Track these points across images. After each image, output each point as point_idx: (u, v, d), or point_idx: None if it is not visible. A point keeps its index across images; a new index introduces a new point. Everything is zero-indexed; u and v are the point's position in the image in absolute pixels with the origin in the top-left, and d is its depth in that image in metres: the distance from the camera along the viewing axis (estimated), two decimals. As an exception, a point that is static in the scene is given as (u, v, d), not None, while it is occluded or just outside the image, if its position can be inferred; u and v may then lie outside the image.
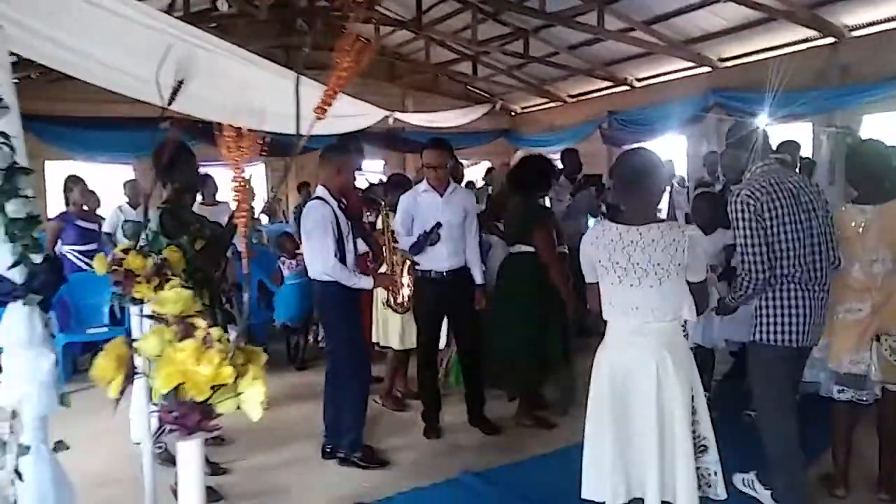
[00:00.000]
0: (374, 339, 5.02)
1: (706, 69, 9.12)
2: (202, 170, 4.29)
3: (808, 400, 3.54)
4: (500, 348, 4.40)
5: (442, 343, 4.79)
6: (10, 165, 2.22)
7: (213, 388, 1.33)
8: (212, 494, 3.47)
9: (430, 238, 4.24)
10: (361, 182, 6.70)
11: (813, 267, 2.95)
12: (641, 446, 2.48)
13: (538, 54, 10.19)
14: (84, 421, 2.96)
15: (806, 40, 7.72)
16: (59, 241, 6.10)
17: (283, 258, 6.12)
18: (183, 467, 1.38)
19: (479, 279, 4.43)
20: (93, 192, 6.69)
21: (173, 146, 3.29)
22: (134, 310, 2.74)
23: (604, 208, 6.89)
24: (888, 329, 3.13)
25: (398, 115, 10.34)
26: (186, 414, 1.31)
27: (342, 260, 3.81)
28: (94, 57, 2.93)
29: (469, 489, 3.63)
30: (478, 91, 13.11)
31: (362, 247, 4.37)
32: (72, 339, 5.62)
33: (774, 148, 4.35)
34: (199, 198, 4.97)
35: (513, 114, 13.61)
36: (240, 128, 1.44)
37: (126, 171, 9.42)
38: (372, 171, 11.18)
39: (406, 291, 4.62)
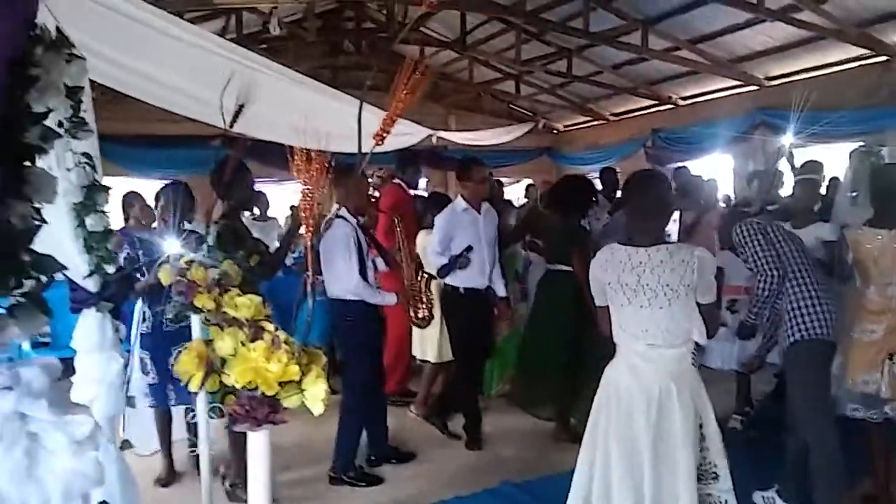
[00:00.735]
0: (413, 353, 5.14)
1: (752, 87, 9.05)
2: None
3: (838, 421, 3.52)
4: (534, 367, 4.47)
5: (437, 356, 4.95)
6: (91, 183, 2.42)
7: (280, 384, 1.46)
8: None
9: (459, 262, 4.34)
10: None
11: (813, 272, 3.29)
12: (632, 469, 2.46)
13: (581, 73, 10.23)
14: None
15: (856, 59, 7.62)
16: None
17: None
18: (252, 456, 1.52)
19: (501, 292, 4.56)
20: (151, 208, 6.95)
21: (234, 164, 3.42)
22: (195, 317, 2.92)
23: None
24: None
25: (441, 133, 10.46)
26: (257, 407, 1.45)
27: (364, 277, 3.89)
28: (161, 81, 3.14)
29: (509, 499, 3.70)
30: (520, 110, 13.19)
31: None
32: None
33: (799, 166, 4.44)
34: (247, 213, 5.15)
35: (555, 132, 13.65)
36: (310, 150, 1.57)
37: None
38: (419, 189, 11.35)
39: (426, 307, 4.77)
